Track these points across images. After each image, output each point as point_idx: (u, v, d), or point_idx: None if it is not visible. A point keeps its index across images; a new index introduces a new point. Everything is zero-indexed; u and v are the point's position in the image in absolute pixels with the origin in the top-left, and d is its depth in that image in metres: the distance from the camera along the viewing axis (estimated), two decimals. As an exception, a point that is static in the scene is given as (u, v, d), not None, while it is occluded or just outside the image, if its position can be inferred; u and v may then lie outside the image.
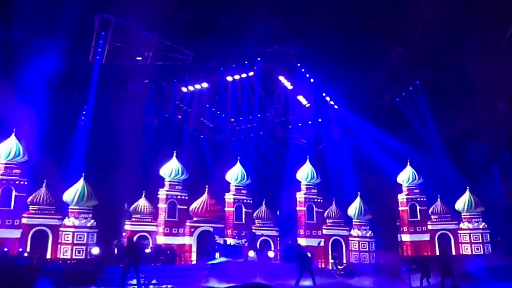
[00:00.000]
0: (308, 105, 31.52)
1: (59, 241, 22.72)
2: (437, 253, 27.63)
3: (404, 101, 31.51)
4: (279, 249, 26.97)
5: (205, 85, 29.55)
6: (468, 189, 28.37)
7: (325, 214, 28.74)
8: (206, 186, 26.80)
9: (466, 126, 27.82)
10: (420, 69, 28.69)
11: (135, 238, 23.94)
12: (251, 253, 23.83)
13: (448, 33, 25.00)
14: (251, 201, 27.37)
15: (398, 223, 29.69)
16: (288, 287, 18.19)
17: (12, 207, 22.21)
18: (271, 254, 25.38)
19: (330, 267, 26.20)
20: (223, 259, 22.50)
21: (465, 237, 28.25)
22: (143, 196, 25.86)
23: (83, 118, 26.73)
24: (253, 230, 26.14)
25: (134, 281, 17.43)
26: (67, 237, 22.75)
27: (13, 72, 21.18)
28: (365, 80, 27.47)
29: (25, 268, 18.54)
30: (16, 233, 21.85)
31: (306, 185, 28.63)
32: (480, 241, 27.87)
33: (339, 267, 25.61)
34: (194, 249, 25.49)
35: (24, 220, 22.35)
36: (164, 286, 18.97)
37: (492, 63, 24.84)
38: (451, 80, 27.38)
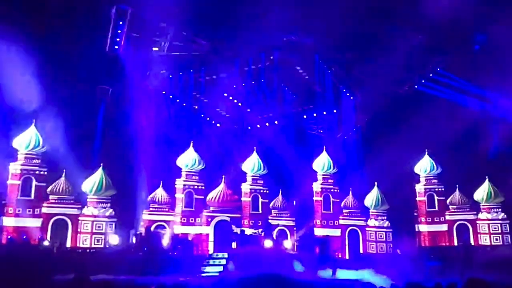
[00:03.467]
0: (325, 95, 31.34)
1: (78, 230, 23.07)
2: (455, 243, 27.40)
3: (422, 90, 31.14)
4: (295, 239, 27.00)
5: (221, 75, 29.54)
6: (487, 179, 28.00)
7: (342, 204, 28.67)
8: (223, 176, 26.87)
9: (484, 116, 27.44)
10: (442, 55, 28.19)
11: (152, 228, 24.20)
12: (268, 243, 23.91)
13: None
14: (267, 191, 27.40)
15: (415, 213, 29.47)
16: (303, 276, 18.22)
17: (32, 196, 22.60)
18: (287, 244, 25.43)
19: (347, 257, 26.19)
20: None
21: (484, 228, 27.92)
22: (160, 186, 26.05)
23: (102, 108, 26.95)
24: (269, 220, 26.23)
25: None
26: (86, 226, 23.09)
27: (33, 62, 21.40)
28: (383, 69, 27.15)
29: (46, 256, 18.86)
30: (37, 222, 22.24)
31: (323, 175, 28.57)
32: (499, 231, 27.52)
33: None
34: (211, 238, 25.66)
35: (44, 210, 22.73)
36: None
37: None
38: (472, 65, 26.91)
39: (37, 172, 22.87)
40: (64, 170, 23.63)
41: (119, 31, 25.10)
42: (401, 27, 26.09)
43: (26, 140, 22.79)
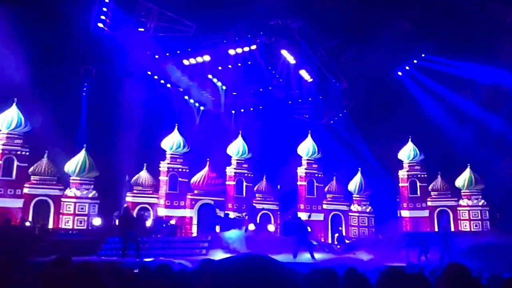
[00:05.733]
0: (311, 80, 31.31)
1: (61, 211, 22.91)
2: (436, 229, 27.81)
3: (407, 75, 31.28)
4: (278, 223, 27.18)
5: (207, 58, 29.30)
6: (469, 166, 28.37)
7: (326, 189, 28.88)
8: (207, 159, 26.86)
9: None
10: (425, 42, 28.26)
11: (136, 210, 24.13)
12: (251, 226, 24.01)
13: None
14: (252, 175, 27.48)
15: (398, 199, 29.82)
16: (287, 261, 18.36)
17: (14, 177, 22.34)
18: (271, 227, 25.58)
19: (331, 242, 26.44)
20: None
21: (464, 214, 28.38)
22: (144, 168, 25.95)
23: (85, 88, 26.60)
24: (254, 204, 26.32)
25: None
26: (69, 208, 22.94)
27: (15, 40, 20.96)
28: (369, 55, 27.17)
29: (28, 237, 18.72)
30: (18, 203, 22.01)
31: (307, 160, 28.71)
32: (479, 218, 28.00)
33: (346, 241, 25.73)
34: (194, 221, 25.70)
35: (25, 190, 22.50)
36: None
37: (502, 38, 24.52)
38: (456, 53, 27.01)
39: (18, 152, 22.59)
40: (46, 151, 23.37)
41: (104, 9, 24.66)
42: (388, 12, 26.06)
43: (8, 120, 22.45)
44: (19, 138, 22.73)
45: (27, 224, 20.94)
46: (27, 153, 22.79)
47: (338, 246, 24.93)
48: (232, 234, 21.22)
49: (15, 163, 22.42)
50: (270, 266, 1.74)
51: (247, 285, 1.67)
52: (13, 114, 22.52)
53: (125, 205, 22.78)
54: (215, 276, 1.73)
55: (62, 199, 23.04)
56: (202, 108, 31.09)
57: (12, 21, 20.88)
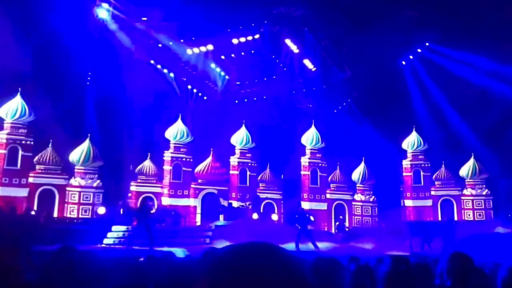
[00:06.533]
0: (315, 69, 31.22)
1: (66, 200, 23.03)
2: (440, 218, 27.83)
3: (411, 64, 31.16)
4: (282, 212, 27.25)
5: (210, 47, 29.23)
6: (473, 156, 28.29)
7: (329, 178, 28.89)
8: (211, 149, 26.88)
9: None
10: (430, 31, 28.02)
11: (140, 199, 24.24)
12: (255, 215, 24.12)
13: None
14: (255, 165, 27.49)
15: (401, 189, 29.81)
16: (290, 249, 18.44)
17: (18, 166, 22.42)
18: (274, 217, 25.67)
19: (333, 231, 26.53)
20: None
21: (468, 203, 28.34)
22: (148, 157, 26.00)
23: (89, 78, 26.61)
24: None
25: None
26: (74, 197, 23.05)
27: (18, 30, 20.95)
28: (373, 43, 27.02)
29: (33, 225, 18.84)
30: (23, 192, 22.13)
31: (311, 149, 28.70)
32: (483, 207, 27.99)
33: (346, 228, 25.86)
34: (198, 211, 25.80)
35: (30, 180, 22.61)
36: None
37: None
38: (462, 41, 26.77)
39: (23, 141, 22.65)
40: (51, 140, 23.44)
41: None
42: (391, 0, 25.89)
43: (12, 109, 22.49)
44: (24, 128, 22.78)
45: (32, 213, 21.06)
46: (32, 143, 22.86)
47: (340, 234, 25.03)
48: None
49: (20, 152, 22.49)
50: (276, 253, 1.74)
51: (253, 273, 1.67)
52: (17, 104, 22.55)
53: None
54: (220, 264, 1.73)
55: (67, 188, 23.15)
56: (205, 98, 31.08)
57: (16, 9, 20.87)
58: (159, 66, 28.72)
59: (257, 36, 29.41)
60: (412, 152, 29.67)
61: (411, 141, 29.59)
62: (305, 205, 26.72)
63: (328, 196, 28.55)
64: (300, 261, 1.78)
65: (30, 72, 21.49)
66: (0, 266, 3.24)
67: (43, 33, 21.77)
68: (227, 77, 30.98)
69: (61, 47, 22.84)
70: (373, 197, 28.47)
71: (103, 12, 25.18)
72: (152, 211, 23.13)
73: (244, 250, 1.75)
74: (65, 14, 21.96)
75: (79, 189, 23.13)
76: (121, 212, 22.39)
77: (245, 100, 31.82)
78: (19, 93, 22.57)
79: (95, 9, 24.94)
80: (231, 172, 27.12)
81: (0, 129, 22.57)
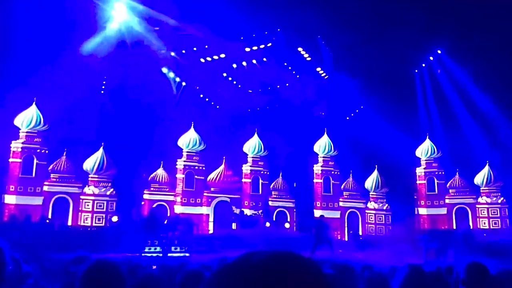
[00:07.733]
0: (327, 77, 31.18)
1: (80, 209, 23.19)
2: (454, 227, 27.55)
3: (423, 72, 31.01)
4: (295, 220, 27.16)
5: (222, 55, 29.35)
6: (487, 163, 28.00)
7: (342, 186, 28.76)
8: (223, 157, 26.92)
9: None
10: (443, 37, 27.86)
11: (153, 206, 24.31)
12: (267, 224, 24.06)
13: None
14: (268, 173, 27.48)
15: (415, 197, 29.57)
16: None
17: (33, 175, 22.65)
18: (287, 225, 25.58)
19: (346, 239, 26.37)
20: None
21: (483, 212, 28.03)
22: (161, 166, 26.12)
23: (103, 87, 26.83)
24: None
25: (158, 249, 17.88)
26: (87, 205, 23.20)
27: (34, 40, 21.24)
28: (385, 50, 26.95)
29: (47, 234, 18.99)
30: (38, 200, 22.34)
31: (323, 157, 28.62)
32: (498, 215, 27.65)
33: (359, 237, 25.67)
34: (211, 219, 25.80)
35: (45, 188, 22.81)
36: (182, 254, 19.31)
37: None
38: (476, 48, 26.57)
39: (38, 150, 22.90)
40: (65, 149, 23.65)
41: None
42: (404, 8, 25.79)
43: (27, 119, 22.76)
44: (38, 137, 23.03)
45: (47, 221, 21.23)
46: (47, 151, 23.10)
47: (353, 242, 24.84)
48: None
49: (35, 161, 22.73)
50: (302, 264, 1.69)
51: (288, 285, 1.60)
52: (32, 113, 22.82)
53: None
54: (256, 276, 1.65)
55: (81, 197, 23.32)
56: (217, 107, 31.16)
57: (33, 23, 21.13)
58: (171, 75, 28.87)
59: (269, 44, 29.48)
60: (426, 160, 29.47)
61: (425, 149, 29.40)
62: (318, 213, 26.59)
63: (341, 204, 28.40)
64: (323, 272, 1.75)
65: (45, 81, 21.70)
66: None
67: (57, 40, 22.00)
68: (239, 86, 31.04)
69: (75, 55, 23.08)
70: (387, 205, 28.28)
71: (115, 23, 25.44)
72: (163, 220, 23.19)
73: (276, 262, 1.68)
74: (74, 22, 22.19)
75: (92, 198, 23.28)
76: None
77: (258, 108, 31.83)
78: (34, 103, 22.84)
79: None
80: (243, 180, 27.12)
81: (15, 138, 22.84)
